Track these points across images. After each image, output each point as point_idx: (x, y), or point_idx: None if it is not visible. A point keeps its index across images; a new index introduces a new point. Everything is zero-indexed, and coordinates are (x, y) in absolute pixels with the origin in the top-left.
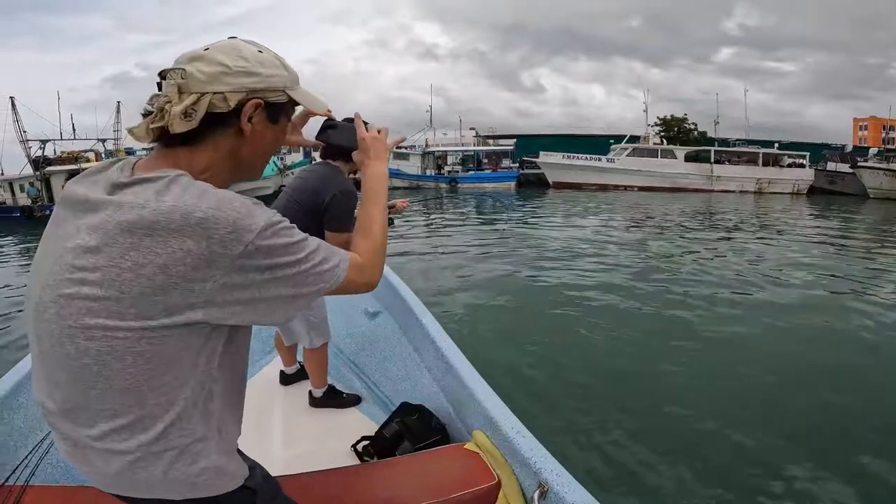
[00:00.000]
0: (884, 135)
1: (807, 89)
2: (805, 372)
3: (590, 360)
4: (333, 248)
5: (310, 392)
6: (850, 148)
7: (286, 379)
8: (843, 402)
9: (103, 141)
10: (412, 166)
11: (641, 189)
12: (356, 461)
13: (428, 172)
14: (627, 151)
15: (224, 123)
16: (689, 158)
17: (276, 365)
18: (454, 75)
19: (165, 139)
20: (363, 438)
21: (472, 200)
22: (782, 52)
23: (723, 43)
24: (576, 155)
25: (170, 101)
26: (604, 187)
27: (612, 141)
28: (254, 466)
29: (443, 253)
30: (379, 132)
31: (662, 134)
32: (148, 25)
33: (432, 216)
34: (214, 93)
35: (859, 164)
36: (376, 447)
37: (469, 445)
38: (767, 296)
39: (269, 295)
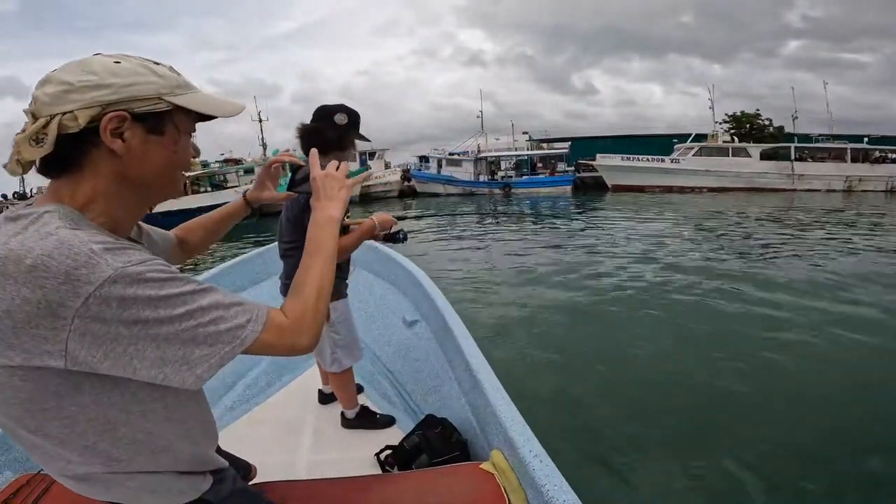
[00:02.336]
0: None
1: (891, 80)
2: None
3: (635, 386)
4: (246, 305)
5: (342, 413)
6: None
7: (324, 398)
8: None
9: None
10: (465, 173)
11: (712, 190)
12: (378, 470)
13: (481, 178)
14: (694, 151)
15: (91, 144)
16: (766, 156)
17: (317, 371)
18: (502, 80)
19: (43, 170)
20: (387, 447)
21: (528, 205)
22: (856, 42)
23: (788, 35)
24: (636, 156)
25: (23, 130)
26: (669, 189)
27: (675, 140)
28: (222, 479)
29: (489, 263)
30: (338, 168)
31: (733, 131)
32: (215, 42)
33: (486, 222)
34: (63, 113)
35: None
36: (397, 458)
37: (486, 465)
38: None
39: (148, 354)
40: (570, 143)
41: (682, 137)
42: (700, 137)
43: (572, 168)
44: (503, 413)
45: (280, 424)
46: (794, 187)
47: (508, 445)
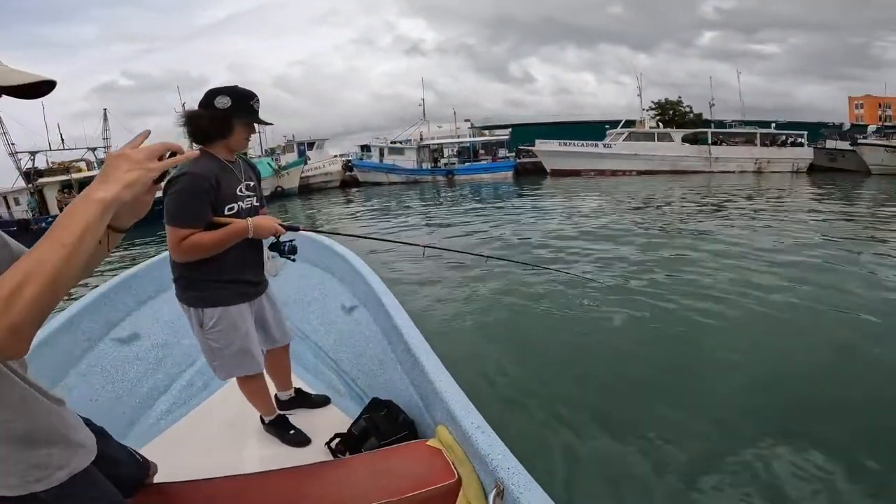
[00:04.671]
0: (880, 112)
1: (795, 70)
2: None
3: (573, 358)
4: None
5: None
6: (847, 126)
7: (280, 405)
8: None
9: (93, 150)
10: (408, 161)
11: (640, 173)
12: (330, 458)
13: (424, 166)
14: (624, 136)
15: None
16: (687, 141)
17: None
18: (444, 69)
19: None
20: (336, 435)
21: (470, 192)
22: (764, 33)
23: (704, 27)
24: (572, 142)
25: None
26: (602, 173)
27: (607, 126)
28: (74, 478)
29: (430, 245)
30: (142, 147)
31: (658, 118)
32: (133, 33)
33: (431, 208)
34: None
35: (859, 141)
36: (346, 444)
37: (432, 441)
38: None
39: None
40: (510, 129)
41: (614, 124)
42: (629, 123)
43: (513, 154)
44: (444, 390)
45: (224, 423)
46: (711, 169)
47: (452, 420)
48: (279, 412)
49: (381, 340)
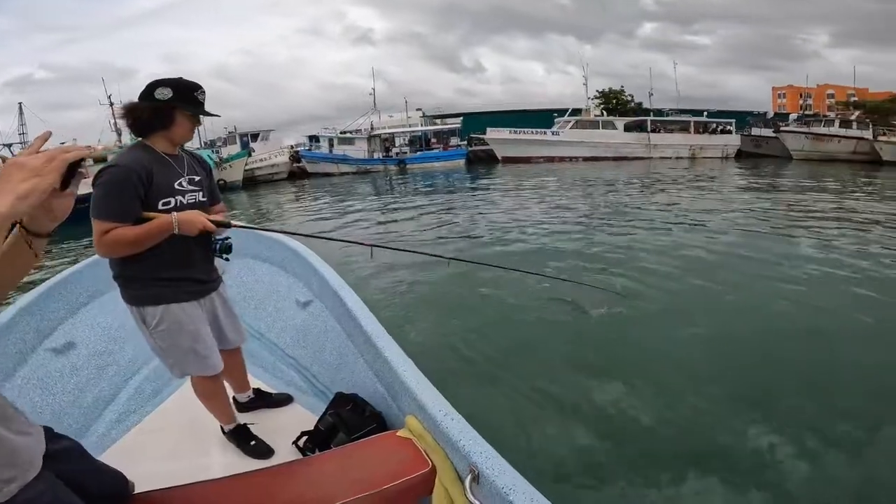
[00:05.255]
0: (801, 101)
1: (725, 61)
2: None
3: (521, 339)
4: None
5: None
6: (771, 114)
7: (240, 407)
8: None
9: (9, 146)
10: (359, 151)
11: (587, 159)
12: (300, 456)
13: (375, 156)
14: (571, 124)
15: None
16: (629, 128)
17: None
18: (394, 59)
19: None
20: (303, 434)
21: (422, 180)
22: (698, 25)
23: (645, 17)
24: (522, 130)
25: None
26: (551, 159)
27: (555, 115)
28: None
29: (386, 233)
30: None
31: (602, 106)
32: (53, 23)
33: (382, 198)
34: None
35: (782, 128)
36: (314, 441)
37: (402, 432)
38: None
39: None
40: (461, 118)
41: (561, 112)
42: (576, 112)
43: (465, 142)
44: (410, 379)
45: (183, 429)
46: (650, 155)
47: (420, 409)
48: (238, 422)
49: (340, 334)
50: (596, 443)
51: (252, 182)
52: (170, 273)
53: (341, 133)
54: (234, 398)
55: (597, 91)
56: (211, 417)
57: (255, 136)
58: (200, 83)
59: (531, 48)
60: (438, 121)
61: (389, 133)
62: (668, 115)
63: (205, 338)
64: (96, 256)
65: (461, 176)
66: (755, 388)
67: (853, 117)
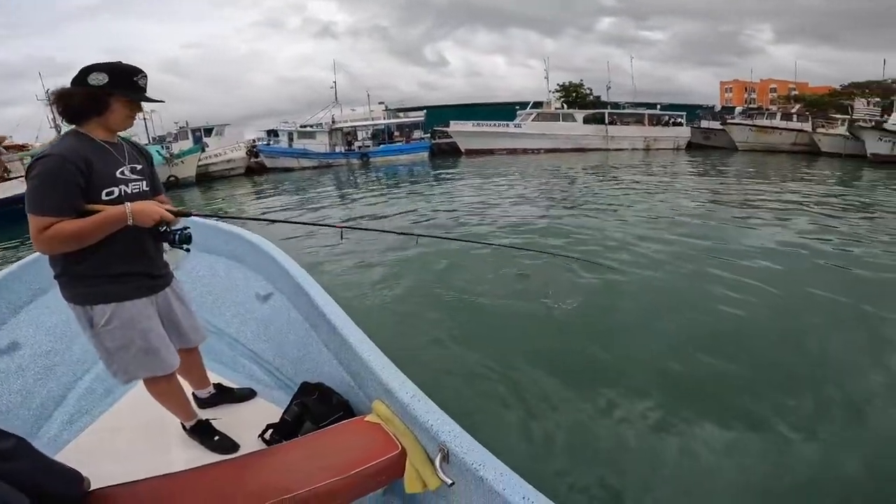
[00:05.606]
0: (746, 95)
1: (677, 56)
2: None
3: (485, 322)
4: None
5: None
6: (718, 108)
7: (200, 403)
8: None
9: None
10: (320, 145)
11: (548, 151)
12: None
13: (337, 149)
14: (532, 116)
15: None
16: (588, 121)
17: None
18: (357, 52)
19: None
20: (268, 427)
21: (386, 174)
22: (653, 20)
23: (603, 13)
24: (485, 122)
25: None
26: (513, 151)
27: (517, 108)
28: None
29: (348, 223)
30: None
31: (563, 99)
32: None
33: (346, 191)
34: None
35: (728, 121)
36: (281, 433)
37: (370, 417)
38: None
39: None
40: (424, 111)
41: (523, 105)
42: (537, 105)
43: (428, 135)
44: (376, 364)
45: (141, 427)
46: (608, 147)
47: (387, 394)
48: (199, 418)
49: (302, 325)
50: (560, 418)
51: (206, 178)
52: (120, 268)
53: (302, 127)
54: (193, 395)
55: (557, 84)
56: (170, 414)
57: (208, 131)
58: (142, 68)
59: (494, 42)
60: (401, 114)
61: (352, 127)
62: (624, 108)
63: (158, 335)
64: (37, 254)
65: (425, 168)
66: (714, 362)
67: (794, 110)
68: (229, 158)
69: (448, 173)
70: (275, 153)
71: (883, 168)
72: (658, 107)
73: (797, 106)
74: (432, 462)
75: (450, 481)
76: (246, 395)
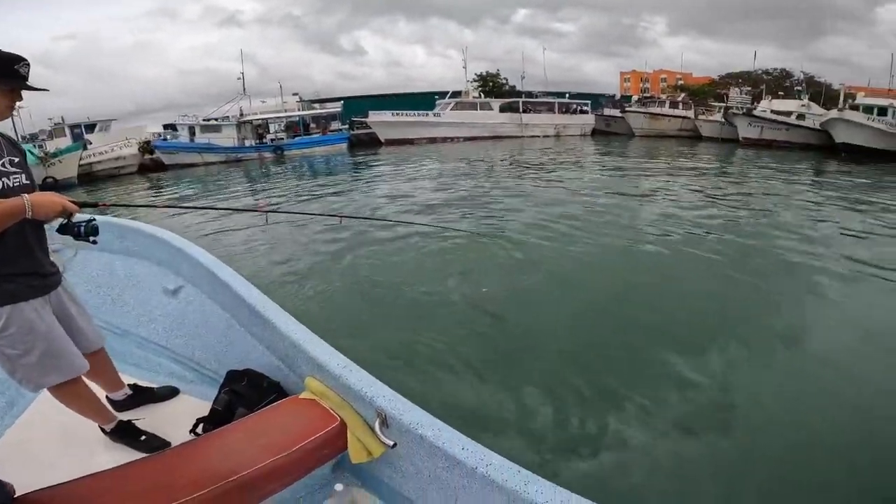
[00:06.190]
0: (642, 85)
1: (584, 47)
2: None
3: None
4: None
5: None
6: (618, 96)
7: (117, 406)
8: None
9: None
10: (227, 138)
11: (467, 139)
12: None
13: (247, 143)
14: (451, 106)
15: None
16: (504, 109)
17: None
18: (267, 41)
19: None
20: (198, 421)
21: (303, 166)
22: (564, 12)
23: (519, 4)
24: (405, 112)
25: None
26: (433, 140)
27: (436, 97)
28: None
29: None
30: None
31: (480, 88)
32: None
33: (259, 184)
34: None
35: (626, 109)
36: (213, 423)
37: (305, 394)
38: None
39: None
40: (342, 102)
41: (442, 94)
42: (456, 94)
43: (346, 126)
44: (304, 342)
45: (56, 436)
46: (523, 134)
47: (319, 369)
48: (120, 418)
49: (221, 315)
50: (481, 379)
51: (91, 179)
52: (11, 267)
53: (205, 120)
54: (108, 398)
55: (475, 74)
56: (87, 420)
57: (90, 127)
58: (24, 56)
59: (413, 32)
60: (317, 105)
61: (263, 119)
62: (537, 97)
63: (61, 337)
64: None
65: (344, 159)
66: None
67: (679, 99)
68: (118, 156)
69: (368, 163)
70: (173, 149)
71: (752, 149)
72: (567, 96)
73: (682, 95)
74: (372, 429)
75: (391, 443)
76: (167, 393)
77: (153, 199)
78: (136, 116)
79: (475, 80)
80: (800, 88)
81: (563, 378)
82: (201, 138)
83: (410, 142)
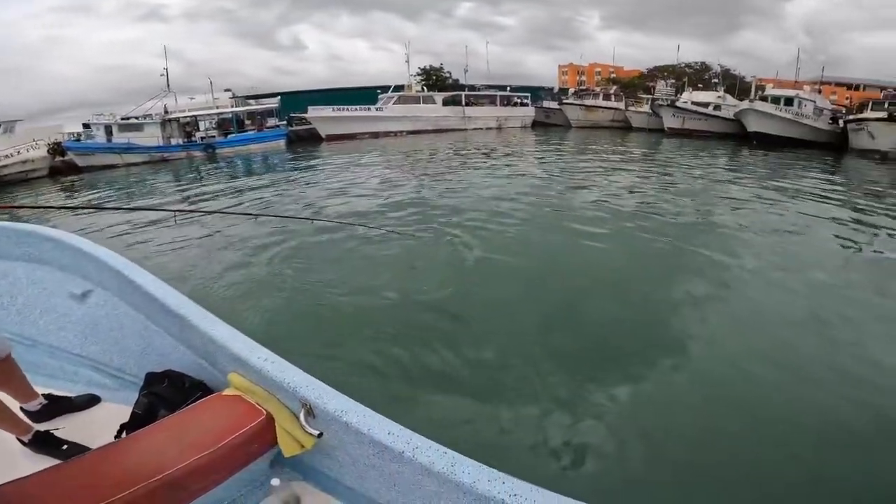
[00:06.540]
0: (578, 78)
1: (525, 41)
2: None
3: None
4: None
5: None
6: (557, 89)
7: (34, 417)
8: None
9: None
10: (151, 137)
11: (410, 133)
12: None
13: (174, 142)
14: (394, 100)
15: None
16: (447, 103)
17: None
18: (194, 36)
19: None
20: (122, 427)
21: (237, 164)
22: (505, 6)
23: None
24: (346, 107)
25: None
26: (376, 135)
27: (379, 91)
28: None
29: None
30: None
31: (424, 82)
32: None
33: (187, 185)
34: None
35: (564, 101)
36: (136, 428)
37: (228, 391)
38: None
39: None
40: (279, 97)
41: (385, 89)
42: (399, 88)
43: (284, 122)
44: (223, 338)
45: None
46: (466, 127)
47: (241, 364)
48: (37, 430)
49: (136, 317)
50: (403, 365)
51: None
52: None
53: (124, 119)
54: (22, 409)
55: (419, 68)
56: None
57: None
58: None
59: (355, 25)
60: (253, 101)
61: (191, 116)
62: (479, 90)
63: None
64: None
65: (282, 156)
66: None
67: (612, 91)
68: (25, 159)
69: (306, 160)
70: (88, 150)
71: (676, 138)
72: (508, 89)
73: (614, 88)
74: (299, 420)
75: (316, 432)
76: (87, 401)
77: (64, 203)
78: (48, 116)
79: (418, 74)
80: (717, 81)
81: (492, 367)
82: (120, 138)
83: (352, 137)
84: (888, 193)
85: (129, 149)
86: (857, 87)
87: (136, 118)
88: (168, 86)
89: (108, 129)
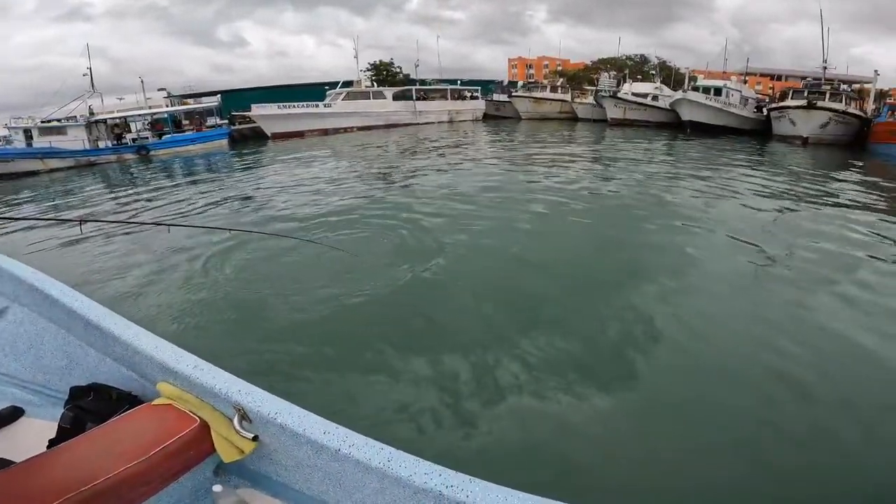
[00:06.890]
0: (527, 71)
1: (475, 35)
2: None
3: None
4: None
5: None
6: (506, 82)
7: None
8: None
9: None
10: (75, 140)
11: (360, 129)
12: None
13: (102, 144)
14: (343, 96)
15: None
16: (397, 98)
17: None
18: (122, 35)
19: None
20: (50, 443)
21: (173, 166)
22: (454, 0)
23: None
24: (292, 104)
25: None
26: (325, 131)
27: (327, 88)
28: None
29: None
30: None
31: (374, 77)
32: None
33: (117, 190)
34: None
35: (513, 94)
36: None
37: (159, 400)
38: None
39: None
40: (219, 96)
41: (333, 85)
42: (347, 84)
43: (226, 121)
44: (151, 349)
45: None
46: (417, 121)
47: (170, 373)
48: None
49: (56, 331)
50: (334, 367)
51: None
52: None
53: (44, 122)
54: None
55: (368, 63)
56: None
57: None
58: None
59: (301, 21)
60: (191, 100)
61: (120, 117)
62: (431, 84)
63: None
64: None
65: (224, 157)
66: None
67: (559, 84)
68: None
69: (250, 160)
70: (7, 156)
71: (618, 128)
72: (459, 82)
73: (561, 80)
74: (233, 424)
75: (251, 435)
76: (10, 416)
77: None
78: None
79: (368, 70)
80: (654, 73)
81: (436, 365)
82: (41, 141)
83: (300, 134)
84: (807, 173)
85: (52, 153)
86: (779, 77)
87: (59, 120)
88: (93, 86)
89: (28, 133)
